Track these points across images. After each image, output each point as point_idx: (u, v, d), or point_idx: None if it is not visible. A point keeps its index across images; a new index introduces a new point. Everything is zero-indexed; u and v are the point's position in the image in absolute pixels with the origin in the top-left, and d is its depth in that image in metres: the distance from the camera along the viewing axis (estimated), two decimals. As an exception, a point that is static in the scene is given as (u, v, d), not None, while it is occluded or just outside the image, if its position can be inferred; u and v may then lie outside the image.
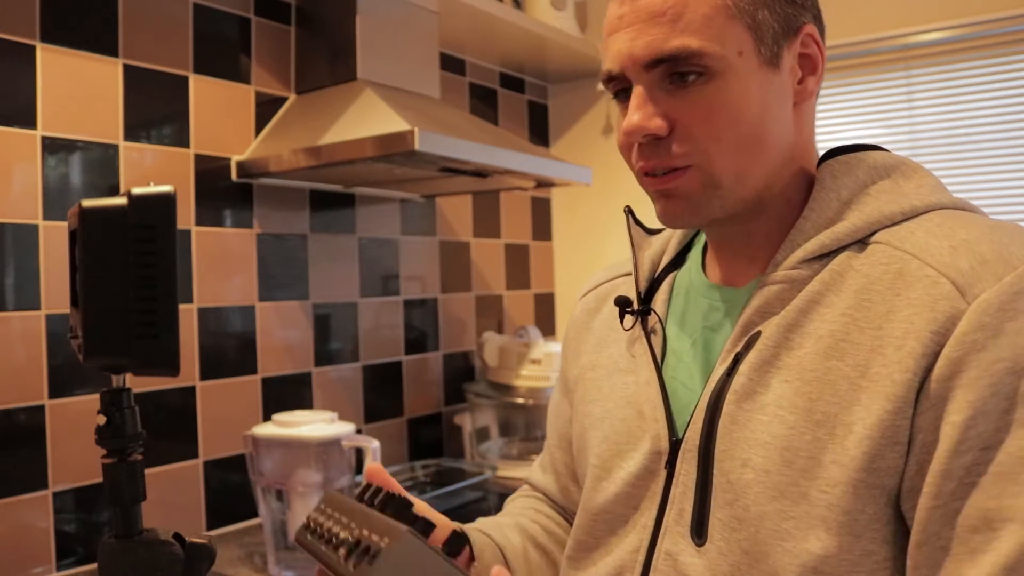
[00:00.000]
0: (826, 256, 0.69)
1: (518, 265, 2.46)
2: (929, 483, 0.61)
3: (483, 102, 2.34)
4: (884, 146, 0.76)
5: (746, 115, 0.69)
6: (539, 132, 2.56)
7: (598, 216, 2.48)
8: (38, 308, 1.35)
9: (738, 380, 0.69)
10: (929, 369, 0.61)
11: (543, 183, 1.91)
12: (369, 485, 0.64)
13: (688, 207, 0.72)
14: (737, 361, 0.70)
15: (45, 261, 1.36)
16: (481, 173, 1.68)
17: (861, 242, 0.69)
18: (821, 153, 0.77)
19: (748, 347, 0.70)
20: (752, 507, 0.66)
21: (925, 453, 0.61)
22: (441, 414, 2.15)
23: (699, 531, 0.70)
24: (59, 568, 1.35)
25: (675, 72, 0.69)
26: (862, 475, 0.62)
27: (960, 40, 1.98)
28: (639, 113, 0.70)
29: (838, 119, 2.15)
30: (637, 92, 0.70)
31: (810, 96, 0.74)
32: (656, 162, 0.71)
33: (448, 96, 2.17)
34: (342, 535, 0.57)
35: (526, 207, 2.50)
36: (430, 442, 2.11)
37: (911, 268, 0.64)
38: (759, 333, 0.70)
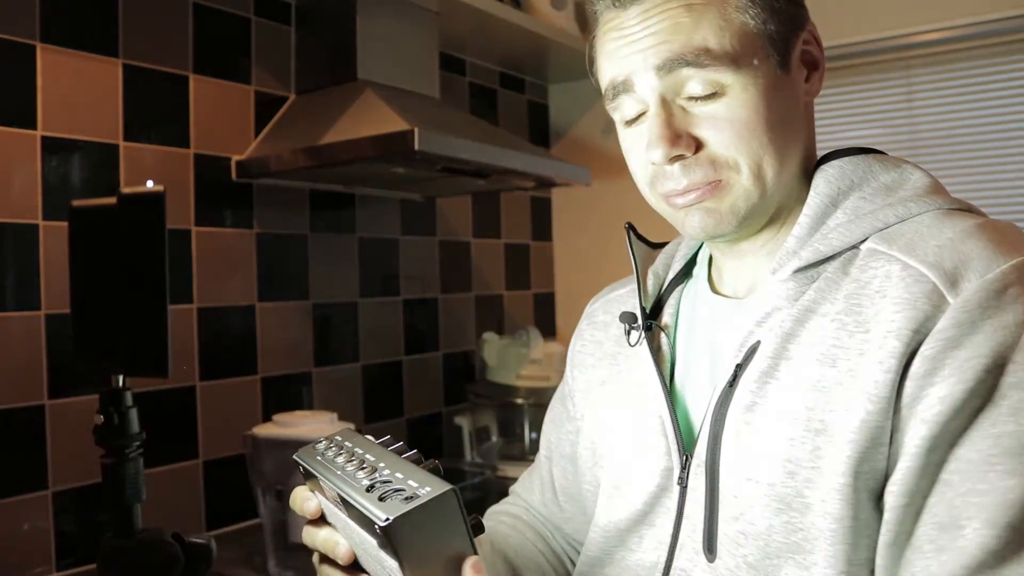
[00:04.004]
0: (822, 263, 0.69)
1: (518, 265, 2.46)
2: (900, 480, 0.60)
3: (483, 102, 2.34)
4: (883, 147, 0.76)
5: (767, 122, 0.68)
6: (539, 132, 2.56)
7: (598, 216, 2.48)
8: (38, 308, 1.35)
9: (739, 392, 0.69)
10: (908, 367, 0.60)
11: (543, 183, 1.91)
12: (390, 438, 0.64)
13: (719, 218, 0.71)
14: (738, 373, 0.70)
15: (45, 261, 1.35)
16: (481, 173, 1.68)
17: (855, 247, 0.68)
18: (820, 155, 0.76)
19: (748, 358, 0.69)
20: (759, 521, 0.65)
21: (901, 451, 0.61)
22: (441, 414, 2.15)
23: (710, 546, 0.69)
24: (59, 568, 1.35)
25: (692, 83, 0.67)
26: (849, 479, 0.61)
27: (960, 40, 1.98)
28: (664, 137, 0.68)
29: (838, 119, 2.15)
30: (657, 115, 0.69)
31: (815, 93, 0.74)
32: (687, 183, 0.69)
33: (448, 96, 2.16)
34: (367, 469, 0.58)
35: (526, 207, 2.50)
36: (430, 442, 2.11)
37: (896, 269, 0.64)
38: (758, 344, 0.69)
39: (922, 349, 0.60)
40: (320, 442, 0.64)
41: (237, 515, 1.63)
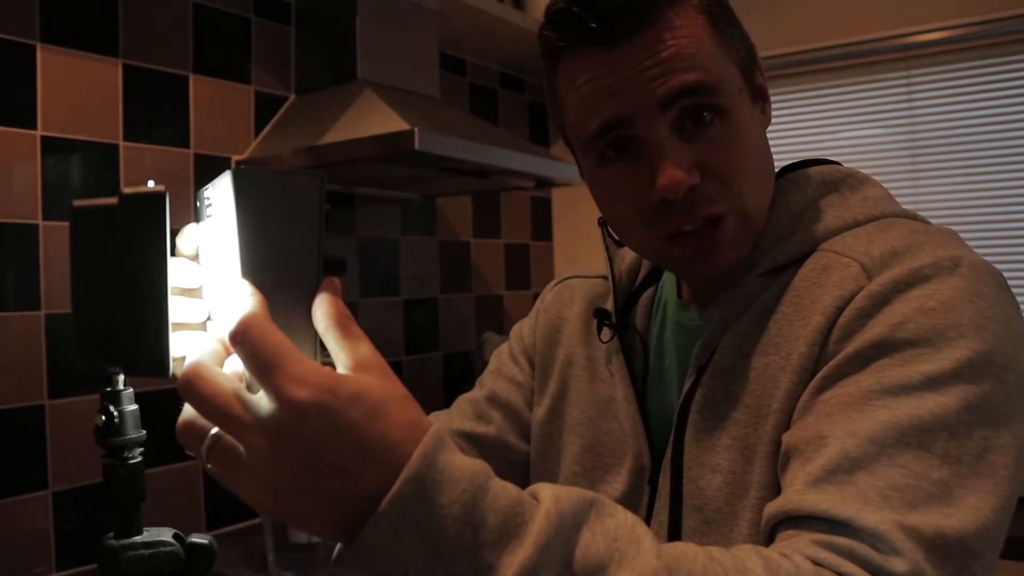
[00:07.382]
0: (779, 270, 0.72)
1: (518, 265, 2.46)
2: (795, 418, 0.63)
3: (483, 102, 2.34)
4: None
5: (755, 148, 0.71)
6: (539, 132, 2.56)
7: (598, 216, 2.47)
8: (38, 308, 1.35)
9: (700, 391, 0.72)
10: (827, 338, 0.64)
11: (543, 183, 1.91)
12: None
13: (733, 253, 0.71)
14: (700, 374, 0.72)
15: (45, 261, 1.35)
16: (481, 173, 1.68)
17: (808, 254, 0.71)
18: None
19: (710, 360, 0.72)
20: (724, 508, 0.68)
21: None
22: (441, 414, 2.15)
23: (674, 540, 0.71)
24: (59, 568, 1.35)
25: (691, 111, 0.67)
26: (773, 448, 0.65)
27: (960, 40, 1.98)
28: (677, 166, 0.66)
29: (838, 119, 2.14)
30: (663, 147, 0.67)
31: (769, 122, 0.77)
32: (696, 215, 0.68)
33: (448, 96, 2.16)
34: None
35: (526, 207, 2.50)
36: (430, 442, 2.11)
37: (832, 260, 0.68)
38: (719, 346, 0.72)
39: (839, 320, 0.64)
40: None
41: (237, 515, 1.63)
